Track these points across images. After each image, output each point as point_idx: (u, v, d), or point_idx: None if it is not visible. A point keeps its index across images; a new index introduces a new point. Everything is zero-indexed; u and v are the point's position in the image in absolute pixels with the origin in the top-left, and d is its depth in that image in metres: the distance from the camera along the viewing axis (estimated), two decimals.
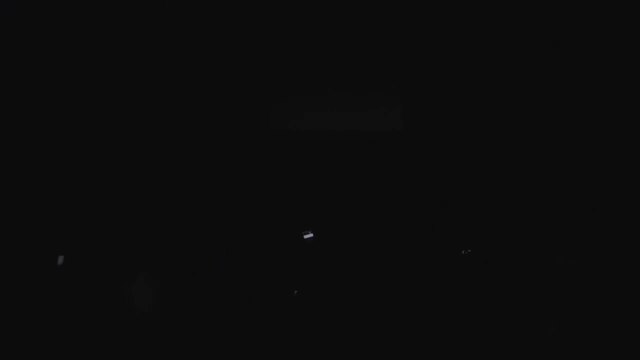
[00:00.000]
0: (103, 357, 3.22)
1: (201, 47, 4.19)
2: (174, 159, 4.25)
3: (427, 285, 3.73)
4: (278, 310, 3.64)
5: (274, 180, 4.42)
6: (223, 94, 4.33)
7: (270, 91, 4.42)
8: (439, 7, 3.87)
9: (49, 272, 3.32)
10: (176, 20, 3.96)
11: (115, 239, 3.60)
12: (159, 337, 3.33)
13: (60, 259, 3.33)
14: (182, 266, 3.63)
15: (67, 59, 3.99)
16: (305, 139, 4.45)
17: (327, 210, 4.34)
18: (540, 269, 3.60)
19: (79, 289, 3.34)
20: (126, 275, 3.46)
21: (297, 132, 4.44)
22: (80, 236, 3.57)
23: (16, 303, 3.21)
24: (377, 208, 4.44)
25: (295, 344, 3.43)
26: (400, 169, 4.47)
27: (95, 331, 3.28)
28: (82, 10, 3.79)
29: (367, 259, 3.93)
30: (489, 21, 3.93)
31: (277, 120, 4.43)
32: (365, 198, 4.47)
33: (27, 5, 3.66)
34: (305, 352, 3.39)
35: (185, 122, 4.31)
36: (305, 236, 3.90)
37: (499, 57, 4.12)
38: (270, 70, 4.39)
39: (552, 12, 3.83)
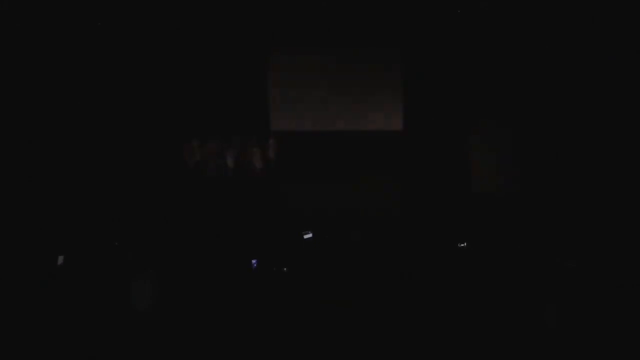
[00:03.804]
0: (103, 357, 3.23)
1: (202, 48, 4.19)
2: (174, 158, 4.27)
3: (426, 283, 3.73)
4: (278, 310, 3.64)
5: (274, 180, 4.43)
6: (224, 95, 4.34)
7: (270, 91, 4.43)
8: (439, 10, 3.87)
9: (49, 272, 3.33)
10: (176, 21, 3.96)
11: (115, 239, 3.62)
12: (159, 337, 3.34)
13: (60, 259, 3.33)
14: (182, 266, 3.64)
15: (67, 61, 3.99)
16: (305, 139, 4.48)
17: (326, 210, 4.35)
18: (540, 270, 3.61)
19: (78, 289, 3.35)
20: (126, 275, 3.47)
21: (297, 132, 4.47)
22: (80, 236, 3.59)
23: (16, 303, 3.22)
24: (377, 207, 4.45)
25: (295, 344, 3.44)
26: (401, 169, 4.49)
27: (96, 330, 3.29)
28: (78, 10, 3.79)
29: (367, 258, 3.94)
30: (487, 23, 3.94)
31: (277, 120, 4.45)
32: (366, 197, 4.48)
33: (19, 6, 3.66)
34: (306, 352, 3.40)
35: (186, 122, 4.32)
36: (305, 236, 3.91)
37: (497, 58, 4.13)
38: (270, 70, 4.39)
39: (550, 12, 3.83)
